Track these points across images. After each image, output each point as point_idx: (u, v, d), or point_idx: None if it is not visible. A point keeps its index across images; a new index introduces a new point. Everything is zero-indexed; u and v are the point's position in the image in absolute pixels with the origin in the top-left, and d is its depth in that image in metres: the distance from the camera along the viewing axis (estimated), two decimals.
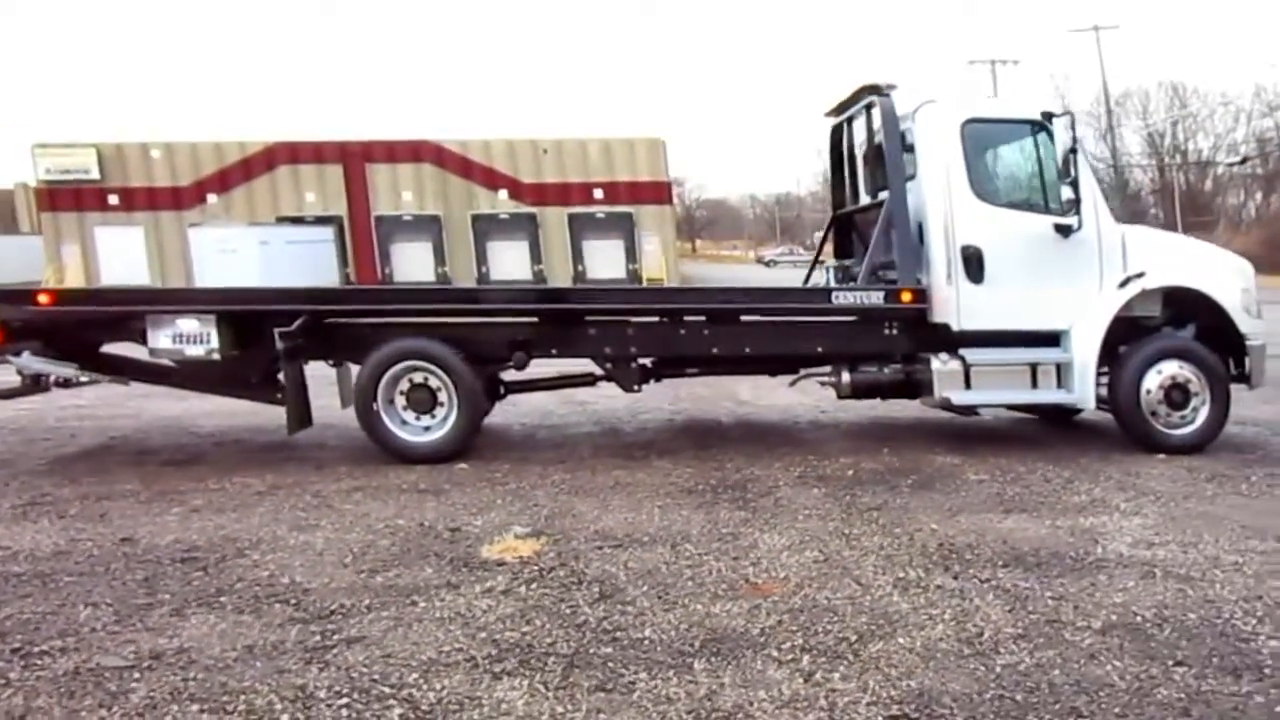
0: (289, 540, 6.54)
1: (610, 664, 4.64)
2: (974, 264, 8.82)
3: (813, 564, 6.05)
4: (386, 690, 4.38)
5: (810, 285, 10.80)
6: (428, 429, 8.76)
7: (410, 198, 31.48)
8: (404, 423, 8.75)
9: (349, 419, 9.09)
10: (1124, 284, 8.92)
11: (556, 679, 4.48)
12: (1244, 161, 54.33)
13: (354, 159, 31.09)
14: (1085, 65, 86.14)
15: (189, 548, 6.38)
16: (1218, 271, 9.29)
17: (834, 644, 4.86)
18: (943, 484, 7.99)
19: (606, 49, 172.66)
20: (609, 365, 9.40)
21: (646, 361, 9.53)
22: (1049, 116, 8.81)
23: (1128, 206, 54.95)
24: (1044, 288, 8.86)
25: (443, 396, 8.72)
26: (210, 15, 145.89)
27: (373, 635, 4.97)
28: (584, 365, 9.74)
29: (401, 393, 8.74)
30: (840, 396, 9.46)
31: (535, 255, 32.02)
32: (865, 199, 10.08)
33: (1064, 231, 8.76)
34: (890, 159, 9.03)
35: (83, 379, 9.25)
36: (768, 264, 65.95)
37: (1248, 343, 9.09)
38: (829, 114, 10.50)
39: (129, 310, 8.99)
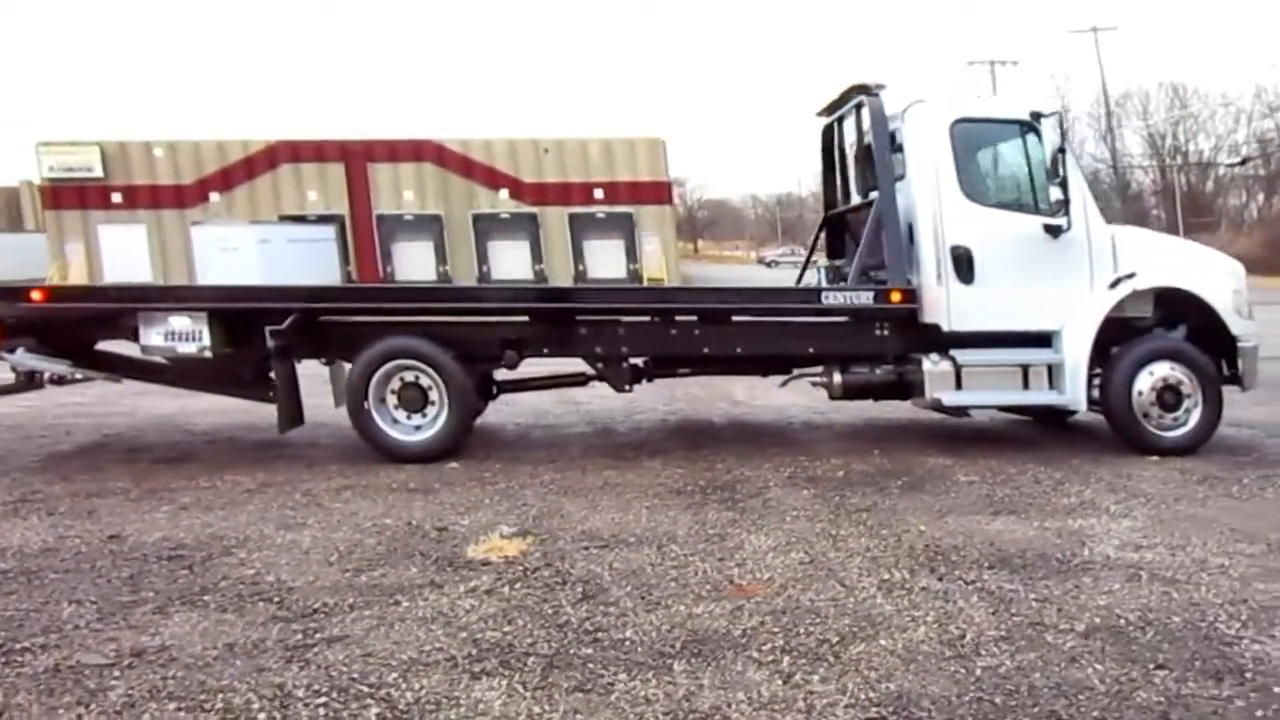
0: (276, 538, 6.55)
1: (590, 665, 4.64)
2: (964, 264, 8.81)
3: (798, 565, 6.04)
4: (365, 689, 4.38)
5: (802, 285, 10.79)
6: (419, 428, 8.77)
7: (411, 197, 31.49)
8: (395, 421, 8.76)
9: (342, 418, 9.10)
10: (1114, 285, 8.90)
11: (535, 679, 4.48)
12: (1244, 162, 54.22)
13: (355, 158, 31.11)
14: (1085, 66, 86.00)
15: (176, 545, 6.39)
16: (1208, 272, 9.27)
17: (815, 646, 4.85)
18: (933, 485, 7.98)
19: (608, 49, 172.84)
20: (600, 365, 9.40)
21: (638, 361, 9.52)
22: (1037, 116, 8.78)
23: (1129, 207, 54.92)
24: (1034, 288, 8.84)
25: (434, 395, 8.73)
26: (212, 14, 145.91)
27: (354, 634, 4.98)
28: (578, 365, 9.74)
29: (393, 391, 8.75)
30: (832, 397, 9.46)
31: (536, 255, 32.02)
32: (856, 199, 10.07)
33: (1053, 232, 8.75)
34: (879, 159, 9.02)
35: (77, 376, 9.27)
36: (769, 264, 65.89)
37: (1239, 344, 9.06)
38: (820, 114, 10.50)
39: (120, 307, 9.00)
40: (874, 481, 8.10)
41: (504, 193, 31.69)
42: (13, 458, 9.17)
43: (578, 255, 32.12)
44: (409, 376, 8.73)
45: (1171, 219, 54.47)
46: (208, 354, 8.60)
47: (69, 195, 30.30)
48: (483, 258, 31.94)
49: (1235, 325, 9.07)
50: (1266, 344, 9.50)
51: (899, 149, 9.12)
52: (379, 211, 31.31)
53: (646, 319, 9.37)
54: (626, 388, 9.48)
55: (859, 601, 5.44)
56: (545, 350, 9.22)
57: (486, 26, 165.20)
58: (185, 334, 8.56)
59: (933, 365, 8.87)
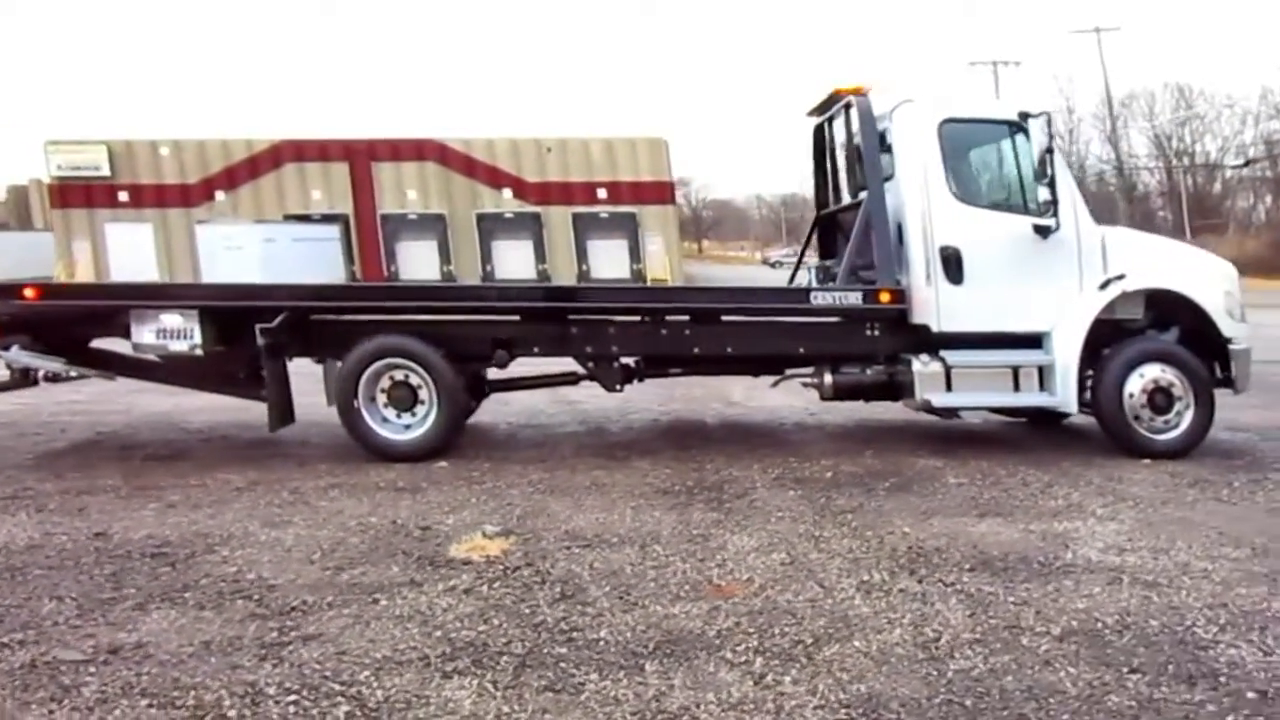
0: (260, 536, 6.58)
1: (562, 664, 4.65)
2: (953, 265, 8.80)
3: (778, 566, 6.05)
4: (336, 688, 4.40)
5: (792, 285, 10.79)
6: (408, 427, 8.79)
7: (415, 196, 31.42)
8: (385, 420, 8.79)
9: (334, 416, 9.10)
10: (1104, 286, 8.89)
11: (507, 679, 4.50)
12: (1248, 164, 54.02)
13: (359, 157, 31.03)
14: (1089, 66, 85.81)
15: (160, 543, 6.42)
16: (1200, 274, 9.25)
17: (789, 647, 4.86)
18: (920, 487, 7.97)
19: (612, 49, 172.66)
20: (591, 364, 9.41)
21: (630, 361, 9.53)
22: (1025, 117, 8.76)
23: (1136, 208, 54.77)
24: (1024, 289, 8.84)
25: (424, 394, 8.75)
26: (213, 14, 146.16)
27: (330, 632, 5.00)
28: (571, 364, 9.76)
29: (382, 390, 8.77)
30: (823, 398, 9.46)
31: (540, 254, 31.90)
32: (847, 199, 10.06)
33: (1042, 232, 8.73)
34: (867, 159, 9.04)
35: (71, 373, 9.31)
36: (773, 265, 65.72)
37: (1231, 347, 9.03)
38: (810, 113, 10.49)
39: (112, 305, 9.04)
40: (861, 483, 8.10)
41: (507, 192, 31.59)
42: (6, 455, 9.22)
43: (581, 255, 32.01)
44: (399, 375, 8.75)
45: (1178, 220, 54.34)
46: (199, 352, 8.63)
47: (76, 194, 30.29)
48: (486, 257, 31.84)
49: (1227, 327, 9.05)
50: (1269, 347, 9.44)
51: (888, 149, 9.11)
52: (383, 211, 31.24)
53: (637, 319, 9.36)
54: (617, 387, 9.49)
55: (836, 603, 5.45)
56: (536, 350, 9.24)
57: (487, 26, 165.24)
58: (176, 332, 8.59)
59: (922, 366, 8.86)
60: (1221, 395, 9.23)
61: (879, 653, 4.79)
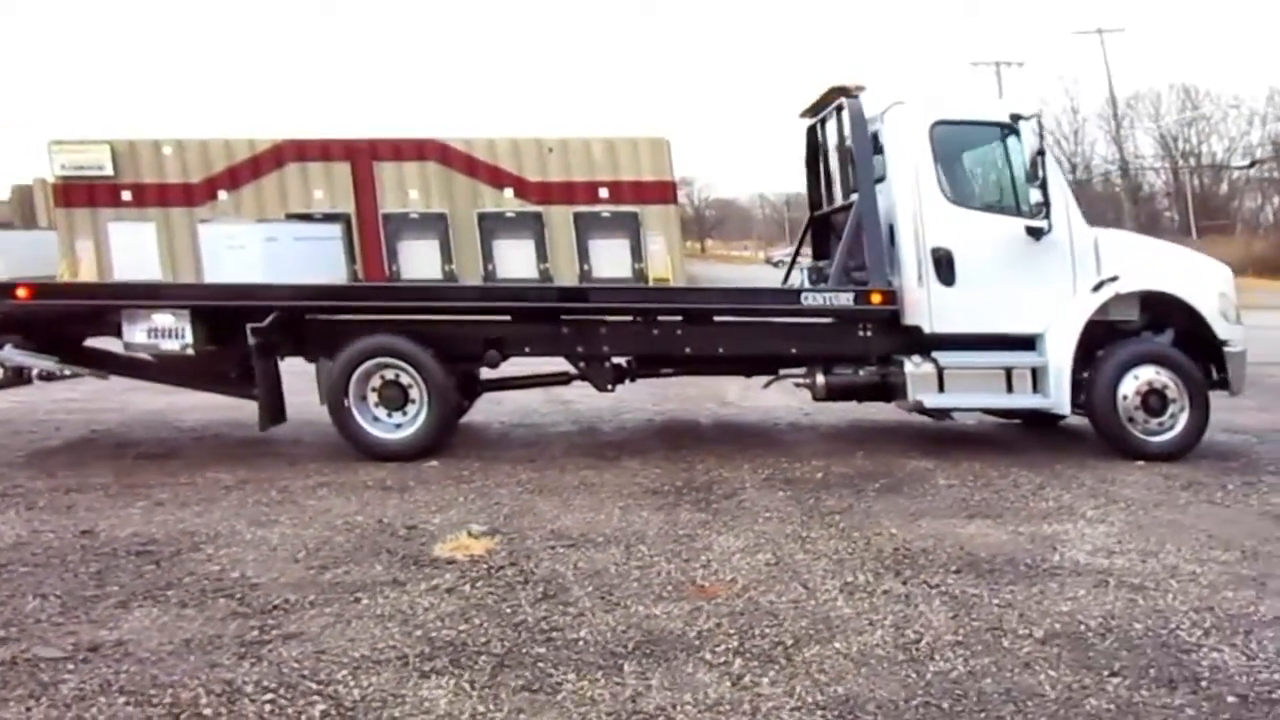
0: (245, 535, 6.57)
1: (540, 664, 4.64)
2: (945, 266, 8.79)
3: (763, 567, 6.04)
4: (313, 686, 4.40)
5: (785, 286, 10.78)
6: (399, 426, 8.79)
7: (417, 195, 31.48)
8: (375, 419, 8.79)
9: (327, 415, 9.08)
10: (1097, 288, 8.87)
11: (484, 678, 4.49)
12: (1253, 165, 53.90)
13: (361, 157, 31.09)
14: (1094, 67, 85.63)
15: (146, 541, 6.42)
16: (1194, 276, 9.22)
17: (769, 648, 4.85)
18: (911, 488, 7.95)
19: (617, 49, 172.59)
20: (583, 364, 9.40)
21: (621, 361, 9.52)
22: (1017, 119, 8.75)
23: (1142, 209, 54.69)
24: (1016, 291, 8.82)
25: (414, 394, 8.75)
26: (215, 14, 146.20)
27: (310, 631, 4.99)
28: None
29: (373, 389, 8.77)
30: (816, 398, 9.45)
31: (541, 254, 31.94)
32: (840, 200, 10.05)
33: (1035, 234, 8.72)
34: (859, 161, 9.03)
35: (64, 372, 9.33)
36: (775, 264, 65.57)
37: (1226, 349, 9.00)
38: (803, 115, 10.48)
39: (103, 305, 9.06)
40: (852, 483, 8.08)
41: (508, 192, 31.62)
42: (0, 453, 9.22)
43: (583, 254, 32.04)
44: (389, 375, 8.75)
45: (1184, 221, 54.27)
46: (190, 351, 8.64)
47: (79, 193, 30.39)
48: (488, 256, 31.88)
49: (1221, 329, 9.02)
50: (1272, 349, 9.41)
51: (880, 151, 9.11)
52: (384, 210, 31.32)
53: (629, 319, 9.35)
54: (609, 387, 9.48)
55: (819, 604, 5.44)
56: (527, 350, 9.23)
57: (488, 25, 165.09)
58: (168, 331, 8.60)
59: (914, 367, 8.84)
60: (1219, 397, 9.21)
61: (859, 654, 4.77)
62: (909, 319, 8.94)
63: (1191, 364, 8.95)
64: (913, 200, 8.87)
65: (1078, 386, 8.91)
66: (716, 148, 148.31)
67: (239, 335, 8.59)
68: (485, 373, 9.67)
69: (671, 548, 6.38)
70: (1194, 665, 4.65)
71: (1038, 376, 8.89)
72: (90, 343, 9.51)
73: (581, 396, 11.56)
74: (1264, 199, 61.68)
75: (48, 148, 30.81)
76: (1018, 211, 8.86)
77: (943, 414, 9.46)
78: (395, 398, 8.75)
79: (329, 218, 30.44)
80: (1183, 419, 8.90)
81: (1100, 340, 9.01)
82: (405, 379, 8.74)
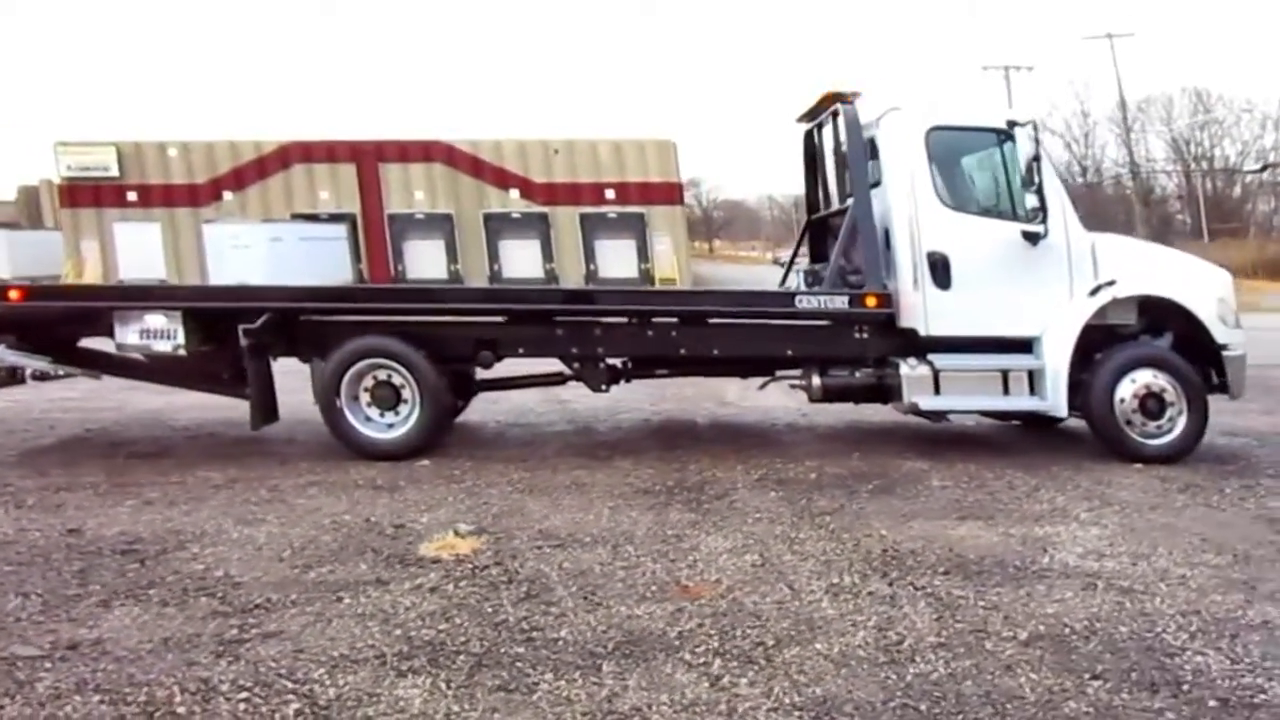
0: (232, 534, 6.57)
1: (518, 664, 4.62)
2: (940, 270, 8.78)
3: (750, 567, 6.01)
4: (289, 685, 4.38)
5: (781, 289, 10.75)
6: (391, 426, 8.79)
7: (422, 196, 31.52)
8: (368, 419, 8.79)
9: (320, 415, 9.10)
10: (1094, 292, 8.84)
11: (461, 678, 4.47)
12: (1265, 169, 53.67)
13: (367, 158, 31.14)
14: (1105, 71, 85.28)
15: (132, 540, 6.42)
16: (1192, 281, 9.18)
17: (749, 649, 4.82)
18: (904, 489, 7.91)
19: (628, 51, 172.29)
20: (577, 365, 9.38)
21: (616, 362, 9.50)
22: (1013, 125, 8.72)
23: (1153, 212, 54.50)
24: (1013, 294, 8.80)
25: (406, 394, 8.75)
26: (219, 15, 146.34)
27: (290, 630, 4.98)
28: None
29: (366, 389, 8.77)
30: (812, 400, 9.42)
31: (547, 254, 31.98)
32: (836, 204, 10.03)
33: (1031, 239, 8.72)
34: (853, 166, 9.05)
35: (58, 372, 9.34)
36: (782, 265, 65.54)
37: (1225, 353, 8.96)
38: (800, 119, 10.47)
39: (95, 306, 9.09)
40: (844, 484, 8.04)
41: (514, 192, 31.65)
42: None
43: (589, 255, 32.05)
44: (382, 375, 8.75)
45: (1196, 224, 54.09)
46: (182, 352, 8.65)
47: (85, 194, 30.49)
48: (494, 257, 31.92)
49: (1220, 333, 8.97)
50: (1276, 352, 9.35)
51: (876, 155, 9.10)
52: (390, 210, 31.37)
53: (623, 320, 9.32)
54: (603, 388, 9.46)
55: (803, 605, 5.40)
56: (521, 351, 9.22)
57: (494, 27, 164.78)
58: (160, 332, 8.61)
59: (910, 369, 8.83)
60: (1223, 400, 9.18)
61: (839, 655, 4.74)
62: (905, 322, 8.92)
63: (1189, 368, 8.91)
64: (908, 204, 8.86)
65: (1076, 389, 8.87)
66: (725, 149, 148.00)
67: (231, 336, 8.59)
68: (480, 373, 9.63)
69: (659, 548, 6.35)
70: (1177, 669, 4.61)
71: (1034, 379, 8.86)
72: (85, 343, 9.51)
73: (579, 396, 11.55)
74: (1277, 202, 61.47)
75: (53, 149, 30.93)
76: (1014, 216, 8.83)
77: (938, 416, 9.42)
78: (388, 398, 8.75)
79: (334, 218, 30.50)
80: (1181, 422, 8.86)
81: (1099, 344, 8.98)
82: (398, 379, 8.74)
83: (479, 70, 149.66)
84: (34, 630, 4.97)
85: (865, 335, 9.14)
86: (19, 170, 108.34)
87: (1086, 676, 4.52)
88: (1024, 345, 8.95)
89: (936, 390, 8.84)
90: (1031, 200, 8.59)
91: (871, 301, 8.85)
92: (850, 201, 9.12)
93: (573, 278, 31.11)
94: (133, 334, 8.66)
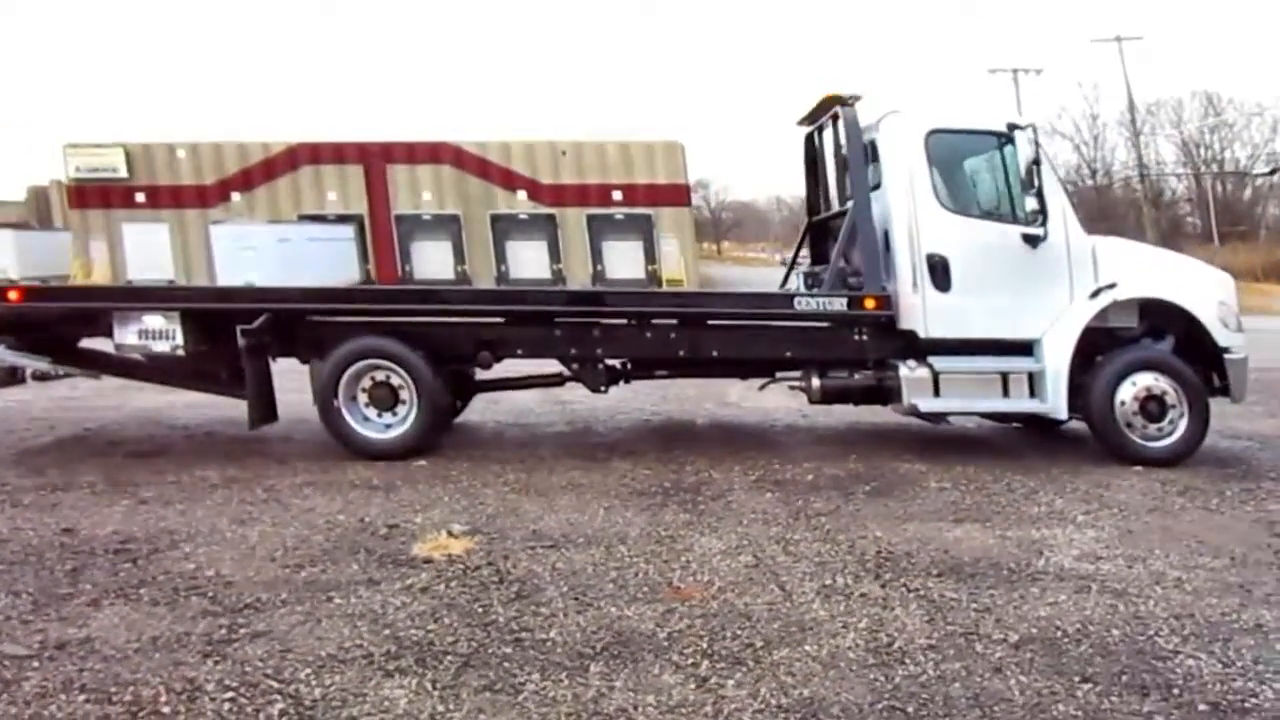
0: (226, 533, 6.56)
1: (506, 664, 4.61)
2: (939, 272, 8.77)
3: (743, 568, 5.98)
4: (275, 685, 4.37)
5: (781, 291, 10.73)
6: (389, 426, 8.79)
7: (430, 198, 31.64)
8: (366, 419, 8.79)
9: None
10: (1095, 295, 8.82)
11: (447, 678, 4.46)
12: (1275, 172, 53.45)
13: (374, 159, 31.29)
14: (1115, 73, 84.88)
15: (125, 539, 6.41)
16: (1193, 284, 9.15)
17: (738, 650, 4.79)
18: (901, 491, 7.89)
19: (639, 52, 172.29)
20: (575, 366, 9.37)
21: (615, 362, 9.49)
22: (1013, 128, 8.70)
23: (1163, 215, 54.32)
24: (1013, 297, 8.80)
25: (404, 394, 8.74)
26: (220, 16, 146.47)
27: (278, 630, 4.97)
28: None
29: (364, 390, 8.77)
30: (811, 401, 9.40)
31: (554, 255, 32.09)
32: (836, 206, 10.01)
33: (1031, 242, 8.71)
34: (853, 168, 9.05)
35: (58, 372, 9.36)
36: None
37: (1226, 356, 8.92)
38: (800, 122, 10.46)
39: (92, 307, 9.12)
40: (841, 486, 8.02)
41: (522, 194, 31.77)
42: None
43: (596, 256, 32.16)
44: (380, 375, 8.75)
45: (1206, 227, 53.87)
46: (180, 352, 8.66)
47: (94, 195, 30.70)
48: (501, 257, 32.04)
49: (1221, 336, 8.95)
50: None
51: (876, 158, 9.09)
52: (398, 211, 31.48)
53: (622, 321, 9.31)
54: (601, 389, 9.44)
55: (795, 606, 5.38)
56: (519, 351, 9.21)
57: (502, 28, 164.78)
58: (158, 333, 8.63)
59: (909, 371, 8.81)
60: (1226, 403, 9.18)
61: (828, 657, 4.72)
62: (904, 324, 8.91)
63: (1190, 370, 8.88)
64: (907, 207, 8.85)
65: (1077, 392, 8.83)
66: (734, 151, 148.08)
67: (229, 336, 8.59)
68: (480, 373, 9.63)
69: (652, 549, 6.34)
70: (1168, 672, 4.58)
71: (1034, 381, 8.84)
72: (85, 343, 9.53)
73: (580, 397, 11.52)
74: None
75: (62, 150, 31.09)
76: (1014, 219, 8.81)
77: (938, 418, 9.39)
78: (385, 398, 8.75)
79: (342, 219, 30.63)
80: (1182, 425, 8.83)
81: (1101, 347, 8.96)
82: (395, 380, 8.73)
83: (481, 71, 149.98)
84: (23, 629, 4.96)
85: (865, 337, 9.11)
86: (29, 171, 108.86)
87: (1076, 679, 4.50)
88: (1024, 348, 8.93)
89: (936, 392, 8.82)
90: (1031, 203, 8.59)
91: (870, 303, 8.84)
92: (850, 204, 9.10)
93: (580, 279, 31.21)
94: (131, 334, 8.67)
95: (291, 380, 9.46)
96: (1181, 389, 8.80)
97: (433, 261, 31.52)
